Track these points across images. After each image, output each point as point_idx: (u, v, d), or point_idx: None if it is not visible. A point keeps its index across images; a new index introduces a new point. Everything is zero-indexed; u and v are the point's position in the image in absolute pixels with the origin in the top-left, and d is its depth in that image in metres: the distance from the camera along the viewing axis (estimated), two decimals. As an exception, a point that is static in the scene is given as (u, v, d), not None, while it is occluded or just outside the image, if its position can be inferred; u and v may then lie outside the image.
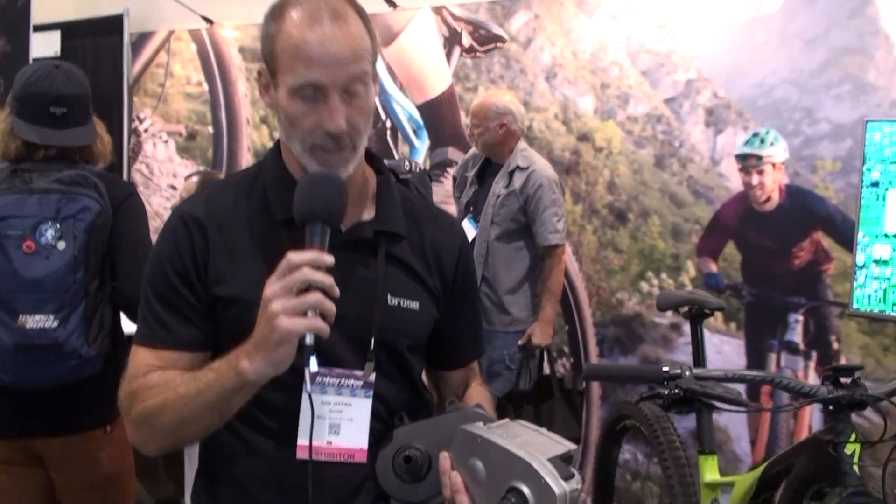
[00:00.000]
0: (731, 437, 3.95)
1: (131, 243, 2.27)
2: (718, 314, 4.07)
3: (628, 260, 4.33)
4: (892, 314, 3.45)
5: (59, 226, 2.15)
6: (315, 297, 1.20)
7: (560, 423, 3.68)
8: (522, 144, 3.99)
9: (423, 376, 1.58)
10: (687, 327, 4.12)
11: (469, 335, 1.59)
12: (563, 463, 1.23)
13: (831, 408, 1.58)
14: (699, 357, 2.32)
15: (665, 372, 1.58)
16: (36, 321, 2.12)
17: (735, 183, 3.99)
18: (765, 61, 3.96)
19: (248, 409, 1.35)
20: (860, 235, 2.69)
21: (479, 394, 1.57)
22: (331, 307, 1.21)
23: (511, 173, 3.89)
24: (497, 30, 4.70)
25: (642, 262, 4.28)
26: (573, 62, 4.50)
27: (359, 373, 1.39)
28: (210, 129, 5.76)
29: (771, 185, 3.86)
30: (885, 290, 2.66)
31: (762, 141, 3.90)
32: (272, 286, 1.21)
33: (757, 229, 3.92)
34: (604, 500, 2.83)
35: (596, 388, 4.42)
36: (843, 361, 3.71)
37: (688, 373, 1.58)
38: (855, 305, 3.44)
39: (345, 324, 1.34)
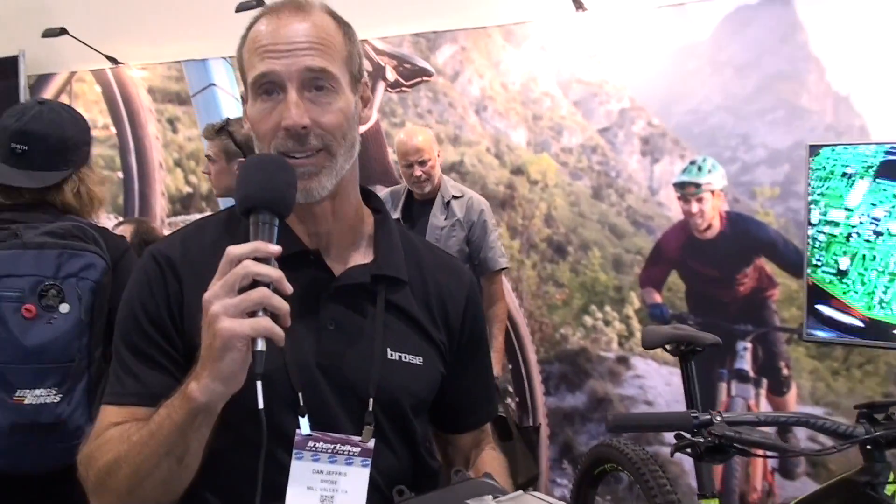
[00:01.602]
0: (685, 469, 3.88)
1: None
2: (664, 345, 4.02)
3: (570, 294, 4.24)
4: (846, 338, 3.45)
5: (60, 286, 1.87)
6: (260, 292, 1.02)
7: (521, 461, 3.55)
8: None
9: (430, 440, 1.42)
10: (635, 360, 4.08)
11: (479, 394, 1.43)
12: None
13: (868, 447, 1.48)
14: (692, 397, 2.21)
15: (695, 418, 1.45)
16: (36, 396, 1.84)
17: (675, 212, 3.96)
18: (698, 88, 3.95)
19: (228, 481, 1.18)
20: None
21: (491, 459, 1.41)
22: (282, 305, 1.03)
23: (447, 204, 3.78)
24: (422, 63, 4.59)
25: (585, 296, 4.20)
26: (503, 94, 4.42)
27: (356, 438, 1.21)
28: (120, 175, 5.45)
29: (711, 212, 3.85)
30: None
31: (700, 169, 3.89)
32: (212, 287, 1.04)
33: (699, 257, 3.89)
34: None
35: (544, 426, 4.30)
36: (793, 387, 3.69)
37: (718, 418, 1.46)
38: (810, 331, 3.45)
39: (339, 382, 1.20)
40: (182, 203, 5.31)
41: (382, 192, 4.05)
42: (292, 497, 1.18)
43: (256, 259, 1.04)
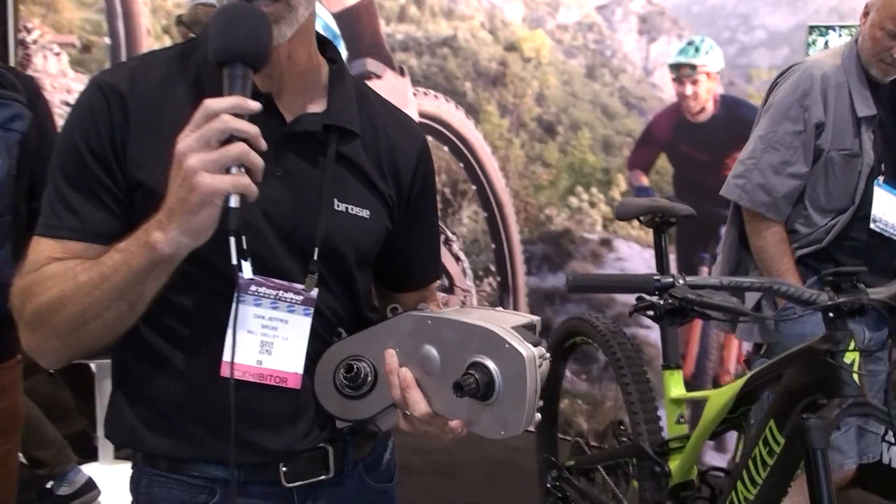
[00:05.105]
0: (660, 351, 3.92)
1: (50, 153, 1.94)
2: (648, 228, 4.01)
3: (557, 174, 4.20)
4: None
5: None
6: (239, 148, 1.01)
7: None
8: None
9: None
10: (618, 243, 4.07)
11: (425, 253, 1.42)
12: (527, 331, 1.10)
13: (831, 315, 1.47)
14: (663, 269, 2.21)
15: (657, 280, 1.44)
16: None
17: (668, 94, 3.88)
18: (700, -34, 3.82)
19: (166, 319, 1.17)
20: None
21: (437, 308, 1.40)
22: (258, 161, 1.03)
23: None
24: (418, -69, 4.42)
25: (572, 177, 4.16)
26: (500, -34, 4.27)
27: (299, 286, 1.20)
28: (106, 40, 5.30)
29: (705, 95, 3.77)
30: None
31: (697, 49, 3.79)
32: (186, 139, 1.02)
33: (690, 141, 3.84)
34: (548, 420, 2.73)
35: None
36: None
37: (681, 281, 1.44)
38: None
39: (284, 229, 1.18)
40: (168, 70, 5.18)
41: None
42: (231, 339, 1.16)
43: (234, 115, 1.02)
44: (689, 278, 1.45)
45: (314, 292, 1.21)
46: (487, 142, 4.37)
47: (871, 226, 2.34)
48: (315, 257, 1.20)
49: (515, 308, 4.26)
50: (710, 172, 3.79)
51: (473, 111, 4.42)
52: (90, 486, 3.18)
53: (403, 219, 1.33)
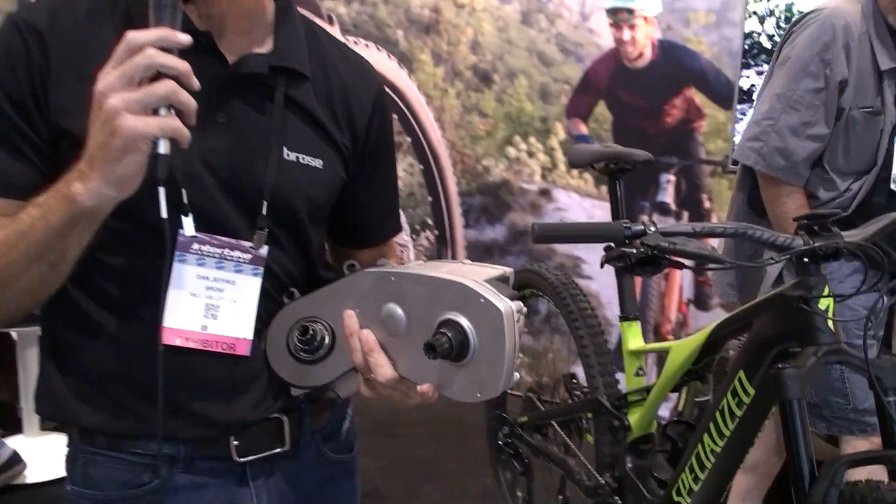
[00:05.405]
0: (601, 302, 3.89)
1: None
2: (587, 176, 3.96)
3: (494, 124, 4.11)
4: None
5: None
6: (166, 85, 0.90)
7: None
8: None
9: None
10: (557, 193, 4.01)
11: (383, 206, 1.31)
12: (501, 284, 1.01)
13: (806, 260, 1.41)
14: (618, 216, 2.13)
15: (627, 228, 1.36)
16: None
17: (606, 39, 3.80)
18: None
19: (98, 281, 1.07)
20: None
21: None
22: (190, 101, 0.92)
23: None
24: None
25: (509, 126, 4.07)
26: None
27: (246, 244, 1.10)
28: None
29: (643, 40, 3.70)
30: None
31: (634, -7, 3.71)
32: (107, 77, 0.90)
33: (628, 88, 3.77)
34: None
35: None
36: (714, 220, 3.68)
37: (652, 228, 1.36)
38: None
39: (229, 181, 1.07)
40: None
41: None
42: (173, 303, 1.06)
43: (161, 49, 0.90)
44: (660, 225, 1.37)
45: (263, 250, 1.11)
46: (422, 92, 4.24)
47: (892, 186, 2.16)
48: (264, 211, 1.10)
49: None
50: (650, 119, 3.74)
51: (406, 60, 4.27)
52: (15, 460, 3.04)
53: (359, 169, 1.22)
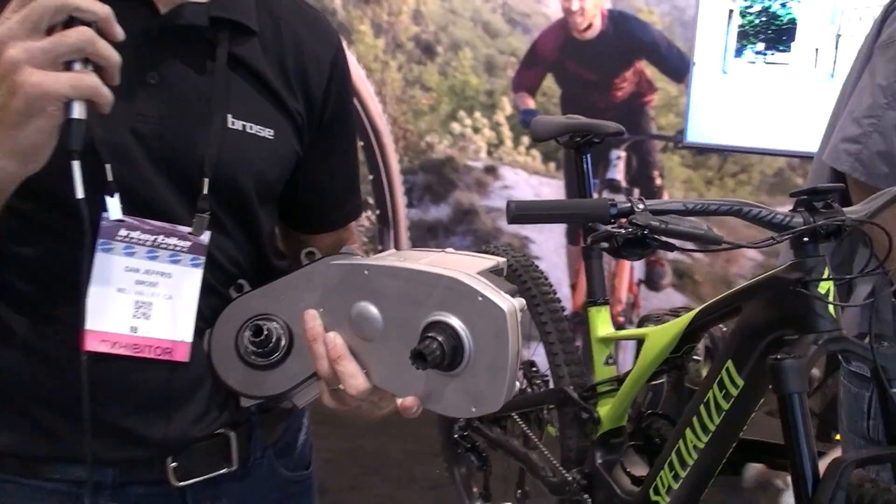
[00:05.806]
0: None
1: None
2: (535, 152, 3.83)
3: (438, 99, 3.96)
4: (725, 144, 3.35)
5: None
6: (80, 33, 0.75)
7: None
8: None
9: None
10: (503, 170, 3.88)
11: (342, 185, 1.15)
12: (497, 277, 0.85)
13: (805, 239, 1.29)
14: (584, 193, 2.00)
15: (613, 206, 1.21)
16: None
17: (554, 9, 3.68)
18: None
19: (5, 276, 0.91)
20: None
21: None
22: (111, 54, 0.77)
23: None
24: None
25: (453, 101, 3.93)
26: None
27: (184, 229, 0.94)
28: None
29: (592, 10, 3.58)
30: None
31: (583, -39, 3.57)
32: (6, 23, 0.75)
33: (577, 60, 3.65)
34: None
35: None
36: (665, 197, 3.59)
37: (640, 206, 1.22)
38: (688, 139, 3.32)
39: (163, 153, 0.91)
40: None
41: None
42: (96, 301, 0.89)
43: None
44: (648, 203, 1.23)
45: (205, 236, 0.95)
46: (361, 64, 4.06)
47: None
48: (205, 190, 0.93)
49: (396, 242, 4.02)
50: (599, 93, 3.64)
51: (345, 31, 4.08)
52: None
53: (315, 141, 1.05)
